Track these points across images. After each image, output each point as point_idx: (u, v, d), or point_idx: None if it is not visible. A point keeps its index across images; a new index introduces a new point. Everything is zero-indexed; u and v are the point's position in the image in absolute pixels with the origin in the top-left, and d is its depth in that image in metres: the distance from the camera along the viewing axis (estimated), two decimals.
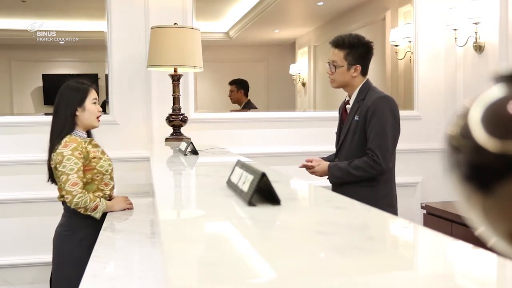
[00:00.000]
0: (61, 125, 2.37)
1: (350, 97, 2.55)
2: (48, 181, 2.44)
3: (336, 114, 2.81)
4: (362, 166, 2.39)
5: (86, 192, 2.32)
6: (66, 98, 2.39)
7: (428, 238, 0.84)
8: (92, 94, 2.43)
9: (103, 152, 2.48)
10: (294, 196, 1.39)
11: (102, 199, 2.38)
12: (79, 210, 2.29)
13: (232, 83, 4.35)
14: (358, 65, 2.47)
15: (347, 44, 2.47)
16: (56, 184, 2.42)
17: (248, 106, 4.24)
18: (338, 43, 2.49)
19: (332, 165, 2.51)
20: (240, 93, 4.31)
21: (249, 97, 4.32)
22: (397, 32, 4.07)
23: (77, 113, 2.39)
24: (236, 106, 4.28)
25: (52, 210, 2.82)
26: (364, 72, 2.51)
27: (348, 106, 2.54)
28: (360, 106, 2.46)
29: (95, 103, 2.44)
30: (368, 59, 2.52)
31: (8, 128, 3.46)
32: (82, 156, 2.33)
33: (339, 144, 2.57)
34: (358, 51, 2.47)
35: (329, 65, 2.52)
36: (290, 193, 1.40)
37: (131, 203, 2.54)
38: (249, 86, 4.35)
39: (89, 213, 2.31)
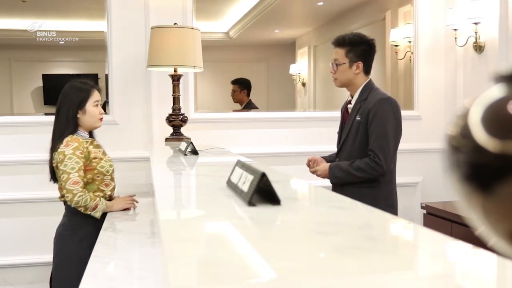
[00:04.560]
0: (62, 126, 2.37)
1: (352, 97, 2.55)
2: (50, 180, 2.45)
3: (336, 114, 2.81)
4: (364, 167, 2.39)
5: (87, 191, 2.32)
6: (68, 99, 2.40)
7: (428, 238, 0.84)
8: (94, 96, 2.43)
9: (104, 153, 2.48)
10: (294, 196, 1.39)
11: (102, 198, 2.39)
12: (79, 209, 2.30)
13: (235, 82, 4.33)
14: (360, 62, 2.48)
15: (347, 41, 2.49)
16: (58, 183, 2.42)
17: (249, 106, 4.24)
18: (339, 42, 2.51)
19: (333, 165, 2.51)
20: (243, 93, 4.30)
21: (250, 97, 4.31)
22: (397, 32, 4.07)
23: (78, 115, 2.39)
24: (237, 106, 4.27)
25: (52, 210, 2.82)
26: (366, 71, 2.51)
27: (350, 106, 2.55)
28: (361, 107, 2.46)
29: (97, 105, 2.43)
30: (371, 57, 2.53)
31: (8, 128, 3.46)
32: (83, 155, 2.34)
33: (340, 144, 2.58)
34: (359, 48, 2.48)
35: (331, 64, 2.54)
36: (290, 193, 1.40)
37: (133, 202, 2.54)
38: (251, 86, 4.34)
39: (89, 212, 2.32)
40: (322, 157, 2.66)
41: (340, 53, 2.50)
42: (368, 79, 2.52)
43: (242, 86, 4.31)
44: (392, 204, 2.49)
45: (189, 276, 0.67)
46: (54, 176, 2.42)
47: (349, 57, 2.48)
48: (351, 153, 2.49)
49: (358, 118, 2.46)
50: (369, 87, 2.50)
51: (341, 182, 2.49)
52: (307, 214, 1.11)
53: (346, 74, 2.50)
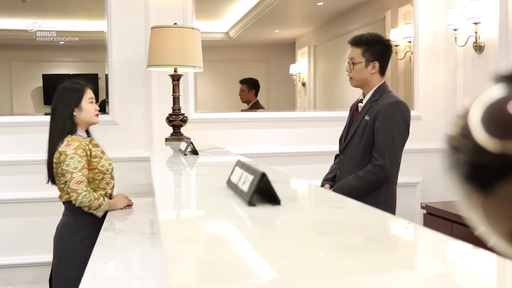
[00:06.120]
0: (60, 126, 2.38)
1: (364, 96, 2.56)
2: (48, 182, 2.45)
3: (335, 114, 2.82)
4: (366, 176, 2.40)
5: (91, 190, 2.33)
6: (63, 99, 2.42)
7: (428, 238, 0.84)
8: (88, 94, 2.45)
9: (103, 152, 2.50)
10: (294, 196, 1.39)
11: (106, 198, 2.40)
12: (83, 208, 2.31)
13: (243, 82, 4.33)
14: (376, 62, 2.49)
15: (364, 41, 2.50)
16: (56, 184, 2.43)
17: (256, 106, 4.23)
18: (356, 41, 2.53)
19: (335, 189, 2.51)
20: (251, 93, 4.29)
21: (257, 98, 4.31)
22: (397, 32, 4.07)
23: (75, 113, 2.41)
24: (243, 105, 4.27)
25: (52, 210, 2.82)
26: (382, 71, 2.52)
27: (361, 105, 2.55)
28: (372, 107, 2.47)
29: (91, 102, 2.46)
30: (387, 57, 2.54)
31: (8, 128, 3.46)
32: (85, 154, 2.35)
33: (346, 141, 2.58)
34: (376, 48, 2.50)
35: (348, 63, 2.54)
36: (290, 193, 1.40)
37: (130, 199, 2.57)
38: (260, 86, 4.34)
39: (92, 211, 2.33)
40: (324, 179, 2.66)
41: (356, 52, 2.51)
42: (383, 81, 2.53)
43: (250, 85, 4.30)
44: (391, 205, 2.50)
45: (189, 276, 0.67)
46: (51, 177, 2.42)
47: (366, 56, 2.49)
48: (356, 152, 2.49)
49: (367, 117, 2.46)
50: (382, 89, 2.51)
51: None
52: (307, 214, 1.11)
53: (362, 73, 2.51)
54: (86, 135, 2.48)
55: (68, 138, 2.35)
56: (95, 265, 1.74)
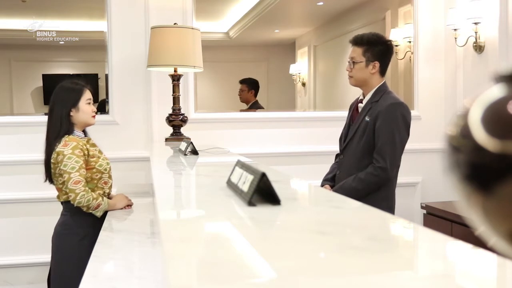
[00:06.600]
0: (57, 125, 2.39)
1: (364, 97, 2.55)
2: (45, 181, 2.45)
3: (335, 114, 2.81)
4: (368, 178, 2.40)
5: (89, 190, 2.33)
6: (61, 99, 2.42)
7: (428, 238, 0.84)
8: (86, 95, 2.45)
9: (100, 151, 2.50)
10: (294, 196, 1.39)
11: (104, 198, 2.40)
12: (82, 208, 2.31)
13: (243, 82, 4.33)
14: (377, 62, 2.48)
15: (365, 41, 2.50)
16: (53, 184, 2.43)
17: (255, 106, 4.24)
18: (357, 41, 2.52)
19: (335, 189, 2.50)
20: (251, 93, 4.30)
21: (257, 98, 4.31)
22: (397, 32, 4.07)
23: (72, 113, 2.41)
24: (243, 105, 4.27)
25: (51, 210, 2.82)
26: (382, 71, 2.52)
27: (361, 105, 2.55)
28: (372, 108, 2.46)
29: (89, 103, 2.46)
30: (387, 58, 2.53)
31: (8, 128, 3.46)
32: (82, 154, 2.35)
33: (346, 142, 2.58)
34: (377, 47, 2.49)
35: (348, 62, 2.54)
36: (290, 193, 1.40)
37: (130, 199, 2.56)
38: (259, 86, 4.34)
39: (91, 211, 2.33)
40: (324, 179, 2.66)
41: (357, 51, 2.51)
42: (383, 81, 2.52)
43: (250, 86, 4.31)
44: (390, 206, 2.50)
45: (189, 276, 0.67)
46: (49, 176, 2.43)
47: (366, 56, 2.49)
48: (356, 153, 2.49)
49: (367, 118, 2.46)
50: (382, 89, 2.50)
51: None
52: (307, 214, 1.11)
53: (362, 73, 2.50)
54: (83, 135, 2.48)
55: (66, 138, 2.35)
56: (95, 265, 1.74)
